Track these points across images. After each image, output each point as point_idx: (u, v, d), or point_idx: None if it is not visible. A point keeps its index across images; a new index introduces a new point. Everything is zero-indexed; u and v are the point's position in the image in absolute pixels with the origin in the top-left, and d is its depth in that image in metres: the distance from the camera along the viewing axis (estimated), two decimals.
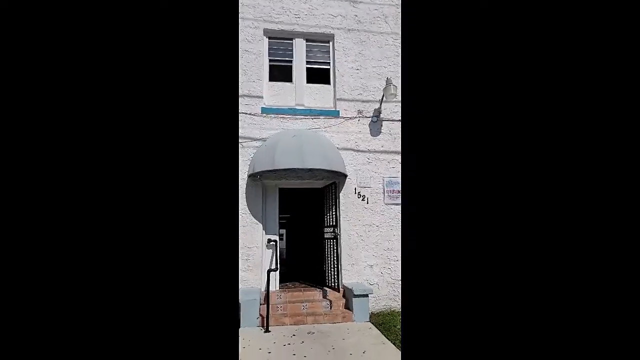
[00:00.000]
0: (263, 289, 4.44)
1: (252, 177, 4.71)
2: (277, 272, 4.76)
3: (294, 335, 3.75)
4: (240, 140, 4.77)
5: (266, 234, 4.89)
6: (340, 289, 4.57)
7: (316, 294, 4.68)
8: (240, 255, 4.50)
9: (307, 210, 6.83)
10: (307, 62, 5.45)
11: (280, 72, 5.42)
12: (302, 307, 4.40)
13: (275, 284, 4.79)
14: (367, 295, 4.33)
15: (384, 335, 3.69)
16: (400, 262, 4.97)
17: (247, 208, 4.76)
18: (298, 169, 4.46)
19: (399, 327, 3.97)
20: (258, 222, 4.79)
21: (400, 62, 5.57)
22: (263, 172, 4.50)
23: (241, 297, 3.93)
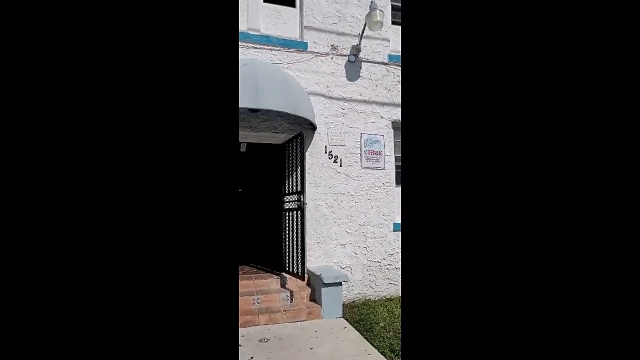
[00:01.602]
0: None
1: None
2: None
3: (240, 345, 2.58)
4: None
5: None
6: (305, 276, 3.47)
7: (272, 282, 3.54)
8: None
9: (262, 176, 5.54)
10: None
11: None
12: (253, 302, 3.23)
13: None
14: (340, 284, 3.29)
15: (367, 340, 2.68)
16: (377, 239, 3.99)
17: None
18: (250, 110, 3.15)
19: (382, 324, 3.01)
20: None
21: None
22: None
23: None
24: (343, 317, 3.24)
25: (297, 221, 3.59)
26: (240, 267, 4.29)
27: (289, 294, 3.35)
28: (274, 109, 3.14)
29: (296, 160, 3.68)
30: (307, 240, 3.69)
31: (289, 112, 3.22)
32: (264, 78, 3.23)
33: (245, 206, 5.43)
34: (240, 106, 3.02)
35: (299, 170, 3.61)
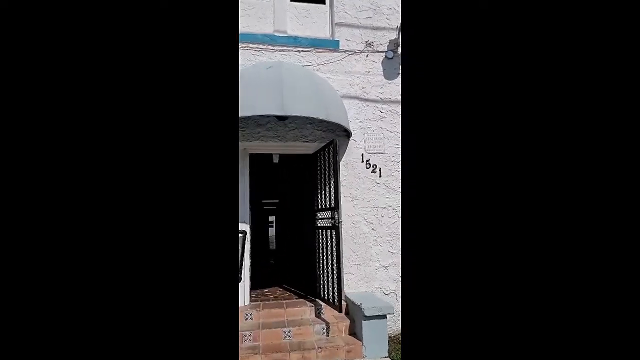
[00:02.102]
0: None
1: None
2: (245, 280, 3.18)
3: None
4: None
5: None
6: (343, 304, 3.02)
7: (306, 311, 3.12)
8: None
9: (295, 189, 5.20)
10: None
11: None
12: (284, 335, 2.83)
13: (243, 296, 3.20)
14: (384, 317, 2.79)
15: None
16: None
17: None
18: (277, 118, 2.81)
19: None
20: None
21: None
22: None
23: None
24: (389, 356, 2.72)
25: (331, 241, 3.16)
26: (271, 289, 3.95)
27: (324, 326, 2.91)
28: (303, 115, 2.77)
29: (329, 171, 3.26)
30: (345, 262, 3.24)
31: (320, 117, 2.83)
32: (290, 81, 2.88)
33: (278, 221, 5.12)
34: (265, 113, 2.70)
35: (332, 183, 3.19)
